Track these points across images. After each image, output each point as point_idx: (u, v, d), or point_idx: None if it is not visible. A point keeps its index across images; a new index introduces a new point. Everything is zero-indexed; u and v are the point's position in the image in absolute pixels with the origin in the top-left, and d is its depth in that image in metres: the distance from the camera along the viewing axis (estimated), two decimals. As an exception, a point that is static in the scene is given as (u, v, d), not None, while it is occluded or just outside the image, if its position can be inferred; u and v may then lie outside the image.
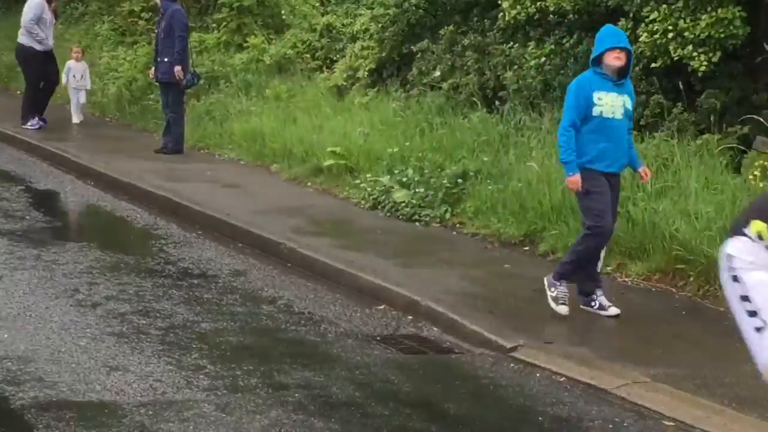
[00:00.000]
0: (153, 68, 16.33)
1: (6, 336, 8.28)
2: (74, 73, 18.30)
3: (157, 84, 16.55)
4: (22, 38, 17.92)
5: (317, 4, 19.14)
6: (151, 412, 6.91)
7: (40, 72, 17.89)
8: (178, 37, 15.83)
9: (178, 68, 15.77)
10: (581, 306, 9.30)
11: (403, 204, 12.54)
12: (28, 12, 17.81)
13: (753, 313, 3.98)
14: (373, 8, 16.46)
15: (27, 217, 12.45)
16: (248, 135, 15.80)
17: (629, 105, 9.18)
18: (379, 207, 12.82)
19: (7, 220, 12.25)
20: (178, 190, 13.61)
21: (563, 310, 9.13)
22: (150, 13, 20.84)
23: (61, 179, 14.86)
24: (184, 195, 13.32)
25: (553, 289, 9.19)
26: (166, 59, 15.86)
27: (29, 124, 17.64)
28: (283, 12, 19.01)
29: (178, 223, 12.59)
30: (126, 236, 12.53)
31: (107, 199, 13.75)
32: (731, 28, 11.57)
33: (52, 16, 18.03)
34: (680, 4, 11.86)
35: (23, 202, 13.29)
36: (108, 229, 12.92)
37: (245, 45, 18.46)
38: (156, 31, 16.64)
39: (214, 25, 19.30)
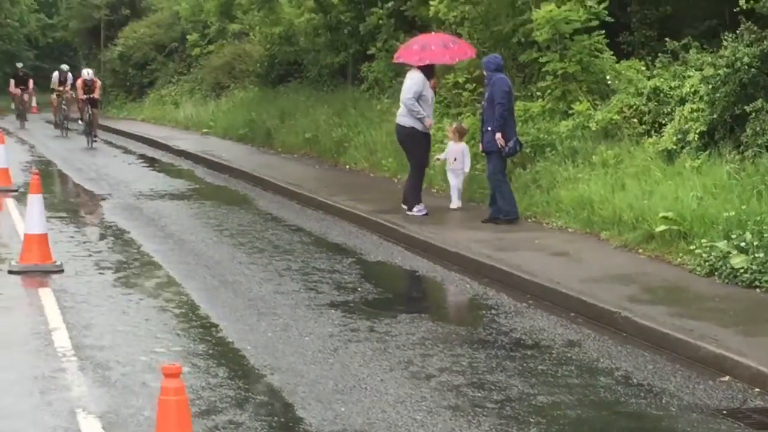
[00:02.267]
0: (480, 138, 16.27)
1: (343, 409, 8.25)
2: (451, 155, 17.40)
3: (483, 154, 16.46)
4: (403, 119, 16.78)
5: (642, 68, 18.70)
6: (490, 489, 6.69)
7: (425, 154, 17.08)
8: (497, 104, 15.71)
9: (498, 135, 15.67)
10: None
11: (742, 270, 11.93)
12: (408, 88, 16.69)
13: None
14: (702, 69, 15.91)
15: (359, 289, 12.55)
16: (576, 202, 15.51)
17: None
18: (716, 273, 12.24)
19: (339, 292, 12.38)
20: (507, 259, 13.44)
21: None
22: (474, 84, 20.93)
23: (391, 251, 14.98)
24: (513, 264, 13.14)
25: None
26: (489, 128, 15.80)
27: (415, 210, 16.73)
28: (608, 77, 18.67)
29: (507, 292, 12.40)
30: (457, 306, 12.49)
31: (437, 270, 13.72)
32: None
33: (432, 93, 17.13)
34: None
35: (355, 274, 13.42)
36: (439, 300, 12.88)
37: (570, 112, 18.21)
38: (482, 101, 16.58)
39: (538, 93, 19.16)
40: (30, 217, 13.63)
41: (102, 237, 16.28)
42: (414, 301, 12.81)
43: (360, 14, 27.97)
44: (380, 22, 26.59)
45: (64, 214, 18.26)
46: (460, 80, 21.18)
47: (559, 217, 15.64)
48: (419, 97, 16.68)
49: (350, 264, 14.02)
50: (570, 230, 15.16)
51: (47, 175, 23.36)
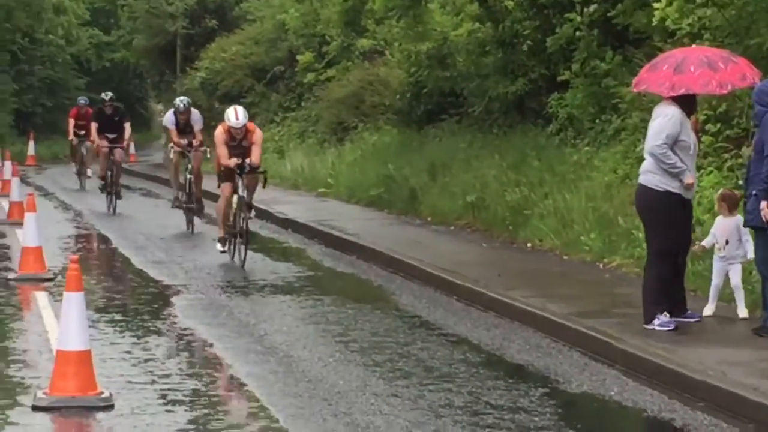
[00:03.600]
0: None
1: None
2: (719, 237, 16.18)
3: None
4: (649, 177, 15.79)
5: None
6: None
7: (675, 234, 15.77)
8: (766, 156, 14.77)
9: (763, 204, 14.73)
10: None
11: None
12: (659, 130, 15.66)
13: None
14: None
15: (561, 437, 12.10)
16: None
17: None
18: None
19: (532, 440, 11.93)
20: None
21: None
22: (718, 125, 20.07)
23: (603, 376, 14.31)
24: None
25: None
26: (754, 192, 14.89)
27: (656, 323, 15.63)
28: None
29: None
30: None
31: (675, 408, 12.94)
32: None
33: (695, 137, 16.06)
34: None
35: (550, 414, 12.79)
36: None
37: None
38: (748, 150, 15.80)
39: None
40: (65, 327, 13.06)
41: (172, 353, 15.85)
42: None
43: (547, 23, 27.60)
44: (577, 34, 26.04)
45: (118, 317, 18.05)
46: (699, 118, 20.30)
47: None
48: (674, 143, 15.66)
49: (542, 397, 13.40)
50: None
51: (94, 257, 23.11)
